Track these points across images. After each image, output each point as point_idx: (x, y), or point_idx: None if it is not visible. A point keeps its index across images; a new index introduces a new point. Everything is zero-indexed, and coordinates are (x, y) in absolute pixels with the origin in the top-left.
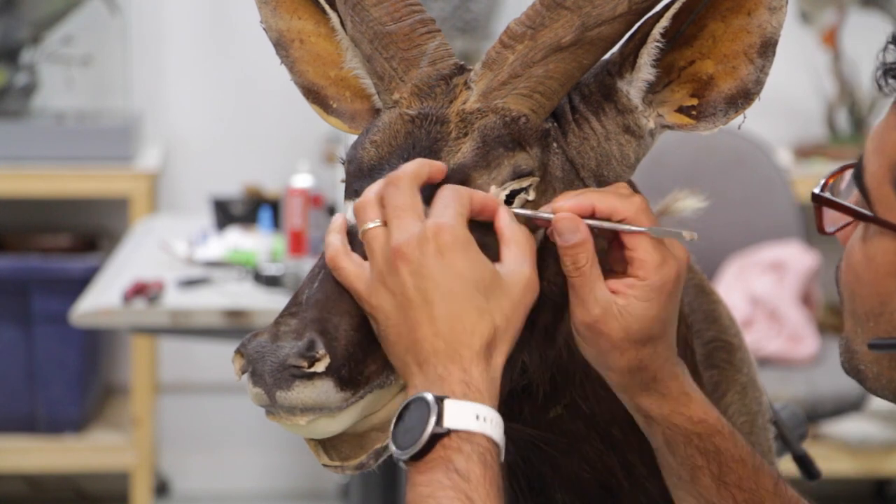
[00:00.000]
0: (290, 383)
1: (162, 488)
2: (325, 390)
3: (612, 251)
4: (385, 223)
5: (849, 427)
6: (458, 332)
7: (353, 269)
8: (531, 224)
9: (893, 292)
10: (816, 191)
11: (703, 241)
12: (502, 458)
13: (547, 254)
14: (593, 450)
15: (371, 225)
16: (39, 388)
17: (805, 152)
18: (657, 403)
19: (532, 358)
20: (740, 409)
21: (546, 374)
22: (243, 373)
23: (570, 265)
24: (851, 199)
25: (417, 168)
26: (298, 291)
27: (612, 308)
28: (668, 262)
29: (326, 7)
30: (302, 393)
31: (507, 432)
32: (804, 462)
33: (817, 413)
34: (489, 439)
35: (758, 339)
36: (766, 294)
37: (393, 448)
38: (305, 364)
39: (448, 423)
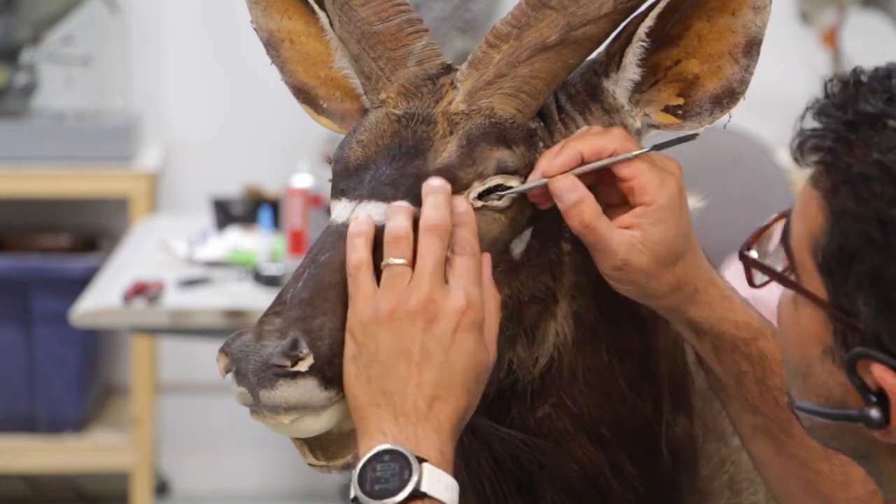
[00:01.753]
0: (274, 382)
1: (162, 488)
2: (308, 389)
3: (603, 188)
4: (410, 264)
5: None
6: (443, 404)
7: (368, 288)
8: (527, 200)
9: (816, 359)
10: (743, 252)
11: (702, 240)
12: None
13: (532, 251)
14: (582, 449)
15: (397, 261)
16: (39, 388)
17: None
18: (705, 313)
19: (519, 357)
20: None
21: (533, 373)
22: (227, 372)
23: (578, 223)
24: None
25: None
26: (283, 291)
27: (633, 244)
28: (667, 179)
29: (315, 7)
30: (285, 392)
31: (496, 433)
32: None
33: None
34: None
35: None
36: (766, 294)
37: (359, 493)
38: (289, 363)
39: (426, 487)
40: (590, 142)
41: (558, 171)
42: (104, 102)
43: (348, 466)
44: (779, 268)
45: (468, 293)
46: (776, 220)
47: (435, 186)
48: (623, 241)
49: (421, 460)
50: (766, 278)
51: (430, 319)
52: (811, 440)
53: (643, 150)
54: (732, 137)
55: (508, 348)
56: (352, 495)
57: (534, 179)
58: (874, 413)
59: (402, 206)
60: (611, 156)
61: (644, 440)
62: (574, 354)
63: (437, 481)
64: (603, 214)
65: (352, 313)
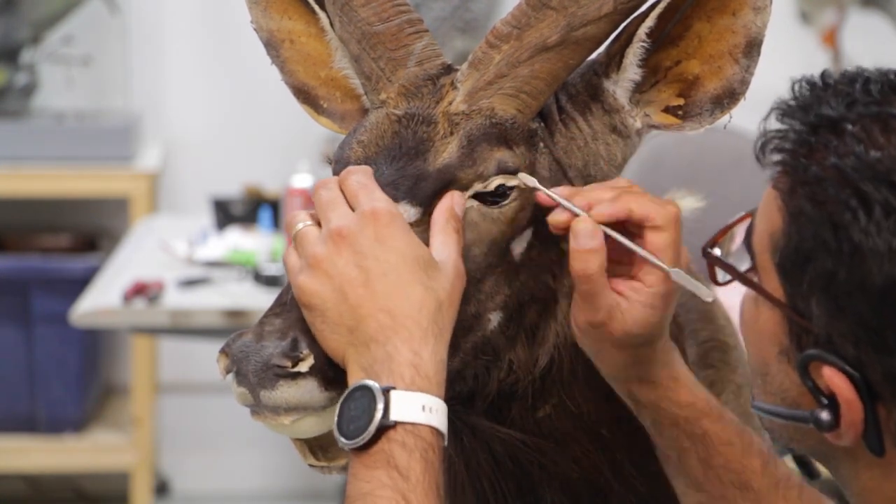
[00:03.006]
0: (274, 383)
1: (162, 488)
2: (308, 390)
3: (618, 244)
4: (316, 223)
5: None
6: (404, 306)
7: (294, 263)
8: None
9: (773, 359)
10: (706, 248)
11: (702, 240)
12: (445, 443)
13: (532, 252)
14: (582, 449)
15: (300, 226)
16: (39, 388)
17: None
18: (647, 391)
19: (519, 357)
20: (735, 409)
21: (534, 373)
22: (228, 372)
23: (581, 271)
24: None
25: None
26: (283, 292)
27: (616, 311)
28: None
29: (316, 7)
30: (286, 392)
31: (496, 433)
32: (804, 462)
33: None
34: (433, 431)
35: None
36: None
37: (338, 436)
38: (289, 364)
39: (394, 415)
40: (644, 206)
41: (604, 218)
42: (104, 102)
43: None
44: (744, 267)
45: (371, 201)
46: (741, 219)
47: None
48: (611, 304)
49: (387, 389)
50: (725, 279)
51: (349, 241)
52: None
53: (668, 269)
54: (732, 137)
55: (509, 348)
56: (339, 445)
57: (576, 204)
58: (825, 415)
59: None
60: (650, 227)
61: (644, 440)
62: (574, 355)
63: (408, 405)
64: (604, 270)
65: (293, 290)
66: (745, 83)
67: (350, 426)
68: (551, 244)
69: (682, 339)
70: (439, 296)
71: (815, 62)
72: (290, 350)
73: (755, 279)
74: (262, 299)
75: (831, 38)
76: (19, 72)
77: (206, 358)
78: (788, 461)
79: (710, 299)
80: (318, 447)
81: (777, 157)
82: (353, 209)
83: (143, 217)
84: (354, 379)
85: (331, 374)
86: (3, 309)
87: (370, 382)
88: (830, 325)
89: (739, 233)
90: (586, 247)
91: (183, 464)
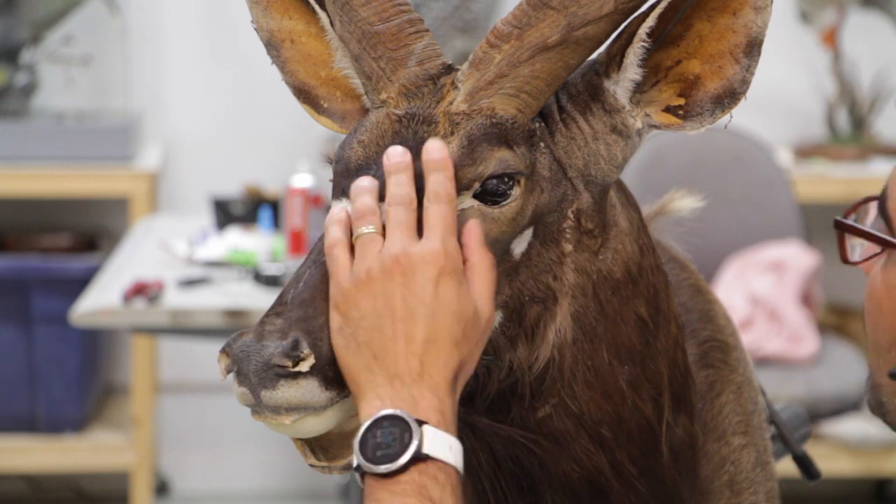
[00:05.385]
0: (275, 382)
1: (162, 488)
2: (309, 389)
3: None
4: (381, 233)
5: (849, 427)
6: (434, 359)
7: (345, 261)
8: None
9: None
10: (839, 218)
11: (702, 240)
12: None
13: (533, 251)
14: (582, 449)
15: (367, 230)
16: (39, 388)
17: (805, 152)
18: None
19: (520, 357)
20: (735, 409)
21: (534, 373)
22: (228, 372)
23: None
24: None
25: (410, 182)
26: (284, 291)
27: None
28: None
29: (316, 7)
30: (287, 392)
31: (496, 432)
32: (804, 462)
33: (817, 413)
34: (457, 472)
35: (758, 339)
36: (766, 294)
37: (361, 461)
38: (290, 363)
39: (428, 449)
40: None
41: None
42: (104, 102)
43: (349, 467)
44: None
45: (444, 241)
46: (870, 199)
47: (397, 164)
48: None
49: (420, 422)
50: (863, 255)
51: (407, 273)
52: None
53: None
54: (732, 137)
55: (509, 348)
56: (354, 464)
57: None
58: None
59: (365, 186)
60: None
61: (644, 440)
62: (574, 354)
63: (439, 442)
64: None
65: (332, 288)
66: (745, 83)
67: (377, 452)
68: (551, 244)
69: (682, 340)
70: (464, 355)
71: (815, 62)
72: (290, 350)
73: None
74: (262, 299)
75: (831, 38)
76: (19, 72)
77: (206, 358)
78: (788, 461)
79: None
80: (319, 447)
81: None
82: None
83: (143, 217)
84: (373, 406)
85: (331, 374)
86: (3, 309)
87: (403, 413)
88: None
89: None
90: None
91: (183, 464)
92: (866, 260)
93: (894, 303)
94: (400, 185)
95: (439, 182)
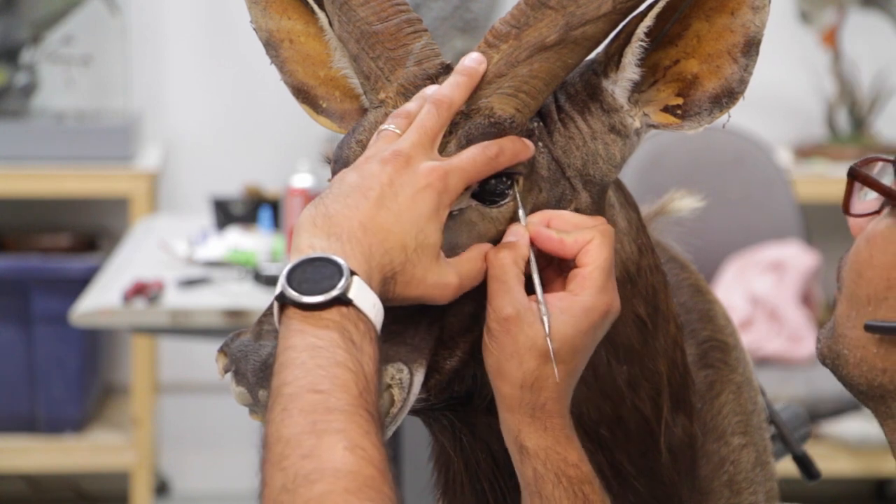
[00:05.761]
0: None
1: (162, 488)
2: None
3: (562, 263)
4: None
5: (849, 427)
6: (377, 242)
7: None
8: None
9: None
10: (856, 166)
11: (702, 240)
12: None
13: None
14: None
15: (388, 127)
16: (39, 388)
17: (805, 152)
18: (538, 434)
19: None
20: (735, 409)
21: None
22: (226, 371)
23: (494, 257)
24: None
25: (455, 99)
26: None
27: (527, 314)
28: (607, 293)
29: (315, 7)
30: None
31: (495, 433)
32: (804, 462)
33: (817, 413)
34: (376, 332)
35: (758, 339)
36: (766, 294)
37: (286, 287)
38: None
39: (353, 296)
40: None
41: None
42: (104, 102)
43: None
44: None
45: (450, 163)
46: (883, 159)
47: (466, 68)
48: (520, 302)
49: (353, 273)
50: (863, 211)
51: (399, 168)
52: None
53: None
54: (732, 137)
55: None
56: (277, 292)
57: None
58: None
59: (412, 106)
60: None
61: (643, 440)
62: None
63: (365, 296)
64: (521, 275)
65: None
66: (743, 82)
67: (303, 285)
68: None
69: (681, 340)
70: (402, 261)
71: (815, 62)
72: None
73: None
74: (262, 299)
75: (831, 38)
76: (19, 72)
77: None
78: (788, 461)
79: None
80: None
81: None
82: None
83: (143, 217)
84: (301, 251)
85: None
86: (3, 309)
87: (338, 259)
88: None
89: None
90: (504, 240)
91: (183, 464)
92: (864, 215)
93: (889, 258)
94: (452, 87)
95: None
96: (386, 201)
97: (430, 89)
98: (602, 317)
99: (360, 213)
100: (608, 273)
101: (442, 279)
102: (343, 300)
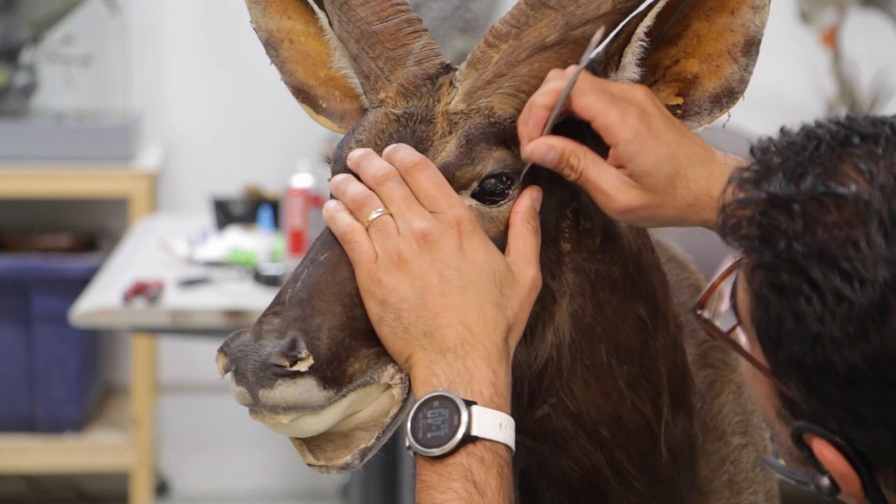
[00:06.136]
0: (273, 382)
1: (162, 488)
2: (307, 389)
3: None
4: (390, 214)
5: None
6: (482, 325)
7: (368, 247)
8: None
9: (774, 419)
10: (694, 309)
11: (702, 241)
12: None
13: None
14: (581, 449)
15: (377, 213)
16: (39, 388)
17: None
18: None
19: (518, 356)
20: (735, 409)
21: (532, 372)
22: (226, 371)
23: (572, 175)
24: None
25: (404, 163)
26: (282, 290)
27: (622, 182)
28: (627, 111)
29: (315, 7)
30: (285, 391)
31: None
32: None
33: None
34: (508, 449)
35: None
36: None
37: (412, 441)
38: (287, 363)
39: (476, 430)
40: (545, 91)
41: (537, 133)
42: (104, 102)
43: (347, 466)
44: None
45: (451, 205)
46: (723, 275)
47: (360, 155)
48: (613, 181)
49: (470, 403)
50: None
51: (433, 246)
52: None
53: (579, 68)
54: (732, 137)
55: None
56: (406, 444)
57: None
58: (825, 482)
59: (344, 177)
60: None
61: (643, 440)
62: (573, 354)
63: (489, 422)
64: (594, 158)
65: (361, 275)
66: (743, 82)
67: (427, 434)
68: (550, 244)
69: (681, 338)
70: (509, 317)
71: (815, 62)
72: (288, 349)
73: (744, 341)
74: (262, 299)
75: (831, 38)
76: (19, 72)
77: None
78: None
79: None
80: (317, 446)
81: (735, 236)
82: (428, 208)
83: (143, 217)
84: (426, 385)
85: (329, 373)
86: (3, 309)
87: (451, 394)
88: (810, 403)
89: (727, 288)
90: (553, 160)
91: (183, 464)
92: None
93: (757, 395)
94: (372, 165)
95: (407, 156)
96: (454, 281)
97: (344, 176)
98: (649, 121)
99: (449, 312)
100: (615, 103)
101: (527, 280)
102: (468, 440)
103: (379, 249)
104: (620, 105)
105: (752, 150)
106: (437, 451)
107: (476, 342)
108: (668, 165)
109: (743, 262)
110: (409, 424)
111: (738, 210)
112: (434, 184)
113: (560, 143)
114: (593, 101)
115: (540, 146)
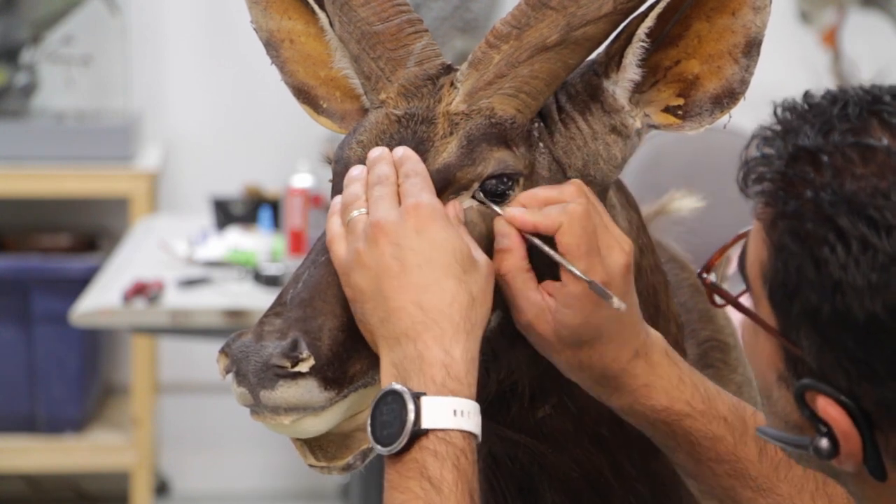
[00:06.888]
0: (274, 383)
1: (162, 488)
2: (308, 389)
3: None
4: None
5: None
6: (435, 300)
7: (342, 253)
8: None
9: (773, 384)
10: (700, 272)
11: (702, 240)
12: (478, 441)
13: (533, 253)
14: (582, 450)
15: (356, 213)
16: (39, 388)
17: None
18: (613, 396)
19: (519, 358)
20: None
21: (533, 374)
22: (228, 372)
23: (497, 269)
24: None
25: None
26: (283, 291)
27: (544, 312)
28: (593, 271)
29: (315, 7)
30: (286, 392)
31: (495, 433)
32: None
33: None
34: (465, 435)
35: None
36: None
37: (372, 442)
38: (289, 364)
39: (426, 422)
40: (547, 217)
41: (517, 224)
42: (104, 102)
43: (349, 467)
44: (738, 291)
45: (419, 196)
46: (735, 240)
47: (376, 157)
48: (532, 304)
49: (418, 395)
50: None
51: (390, 234)
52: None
53: (580, 274)
54: (733, 137)
55: (507, 349)
56: (370, 444)
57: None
58: (824, 443)
59: (355, 175)
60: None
61: (644, 441)
62: None
63: (439, 411)
64: (528, 273)
65: (342, 283)
66: (744, 83)
67: (383, 432)
68: (551, 245)
69: (682, 339)
70: (472, 290)
71: (815, 62)
72: (289, 350)
73: (750, 305)
74: (262, 299)
75: (831, 38)
76: (19, 72)
77: (206, 358)
78: None
79: (619, 307)
80: (318, 447)
81: (757, 188)
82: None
83: (143, 217)
84: (387, 377)
85: (330, 374)
86: (3, 309)
87: (400, 387)
88: (820, 357)
89: (735, 254)
90: (501, 246)
91: (183, 464)
92: (725, 304)
93: (758, 362)
94: (376, 168)
95: (410, 165)
96: (409, 261)
97: (356, 174)
98: (595, 297)
99: (402, 292)
100: (588, 256)
101: (487, 260)
102: (417, 434)
103: (347, 247)
104: (591, 259)
105: (775, 110)
106: (392, 448)
107: (429, 320)
108: (589, 333)
109: (761, 215)
110: (368, 423)
111: (761, 163)
112: (415, 184)
113: (514, 242)
114: (573, 239)
115: (504, 228)
